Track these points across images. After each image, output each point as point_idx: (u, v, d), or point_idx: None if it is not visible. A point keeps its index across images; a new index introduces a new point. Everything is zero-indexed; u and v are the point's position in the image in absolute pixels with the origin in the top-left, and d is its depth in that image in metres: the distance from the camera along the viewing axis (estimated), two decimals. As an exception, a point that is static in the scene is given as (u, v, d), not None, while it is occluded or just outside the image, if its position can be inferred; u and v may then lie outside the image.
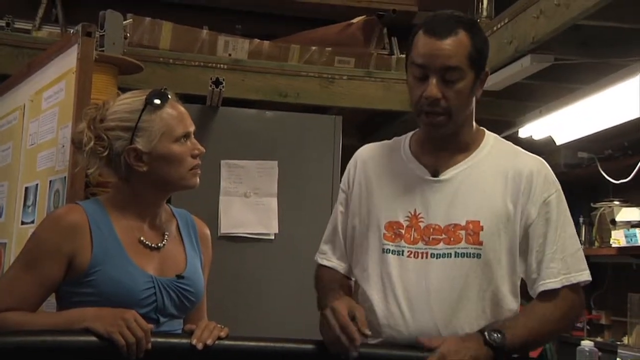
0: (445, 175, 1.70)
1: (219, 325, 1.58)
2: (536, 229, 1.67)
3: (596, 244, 3.72)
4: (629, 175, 3.27)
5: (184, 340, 1.54)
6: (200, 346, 1.51)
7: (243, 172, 3.26)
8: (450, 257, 1.65)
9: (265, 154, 3.27)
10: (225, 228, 3.19)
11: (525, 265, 1.69)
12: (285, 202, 3.26)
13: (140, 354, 1.46)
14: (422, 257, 1.67)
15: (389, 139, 1.87)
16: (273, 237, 3.25)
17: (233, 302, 3.01)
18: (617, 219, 3.45)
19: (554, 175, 1.74)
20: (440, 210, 1.67)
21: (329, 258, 1.85)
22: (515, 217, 1.67)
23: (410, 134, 1.81)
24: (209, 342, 1.52)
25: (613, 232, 3.48)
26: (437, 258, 1.66)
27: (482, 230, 1.65)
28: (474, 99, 1.70)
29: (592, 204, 3.79)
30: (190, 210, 1.88)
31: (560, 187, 1.72)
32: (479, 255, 1.65)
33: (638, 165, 3.19)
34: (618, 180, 3.40)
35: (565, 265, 1.66)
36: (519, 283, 1.73)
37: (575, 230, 1.74)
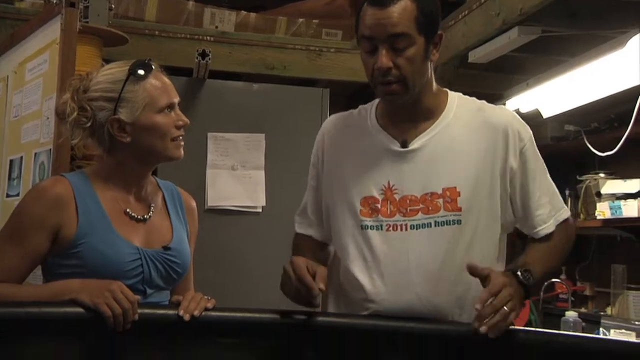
0: (415, 144, 1.69)
1: (205, 297, 1.57)
2: (518, 180, 1.69)
3: (581, 216, 3.73)
4: (615, 148, 3.27)
5: (171, 312, 1.53)
6: (187, 317, 1.50)
7: (230, 145, 3.24)
8: (430, 226, 1.65)
9: (253, 127, 3.25)
10: (212, 201, 3.18)
11: (514, 217, 1.72)
12: (272, 175, 3.25)
13: (127, 325, 1.45)
14: (401, 230, 1.66)
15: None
16: (260, 210, 3.25)
17: (220, 275, 3.01)
18: (603, 191, 3.46)
19: (524, 123, 1.74)
20: (415, 181, 1.66)
21: (305, 228, 1.86)
22: (494, 174, 1.66)
23: (376, 102, 1.78)
24: (196, 313, 1.51)
25: (598, 205, 3.49)
26: (416, 229, 1.65)
27: (459, 196, 1.64)
28: (429, 63, 1.67)
29: (578, 177, 3.79)
30: (177, 183, 1.87)
31: (531, 133, 1.73)
32: (459, 222, 1.64)
33: (623, 138, 3.18)
34: (604, 152, 3.41)
35: (552, 207, 1.73)
36: (503, 246, 1.74)
37: (545, 169, 1.77)
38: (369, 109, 1.79)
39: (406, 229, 1.66)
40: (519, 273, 1.55)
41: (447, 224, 1.64)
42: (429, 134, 1.69)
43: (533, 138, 1.72)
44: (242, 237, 3.20)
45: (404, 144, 1.69)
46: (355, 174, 1.72)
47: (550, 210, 1.72)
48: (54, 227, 1.58)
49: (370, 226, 1.68)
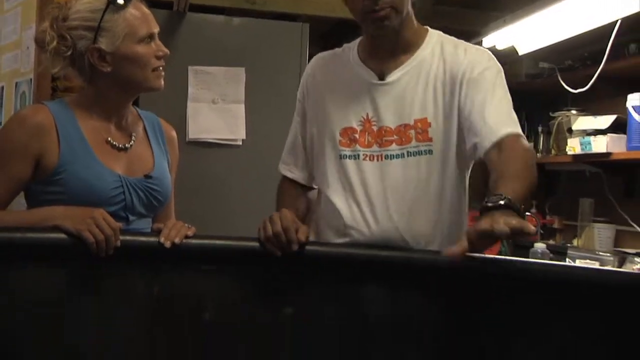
0: (392, 77, 1.70)
1: (186, 225, 1.58)
2: (472, 97, 1.63)
3: (553, 152, 3.75)
4: (587, 85, 3.28)
5: (152, 239, 1.53)
6: (168, 244, 1.50)
7: (210, 78, 3.20)
8: (404, 157, 1.67)
9: (233, 61, 3.21)
10: (193, 134, 3.16)
11: (469, 132, 1.63)
12: (252, 108, 3.23)
13: (109, 251, 1.45)
14: (377, 160, 1.68)
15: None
16: (240, 143, 3.24)
17: (201, 207, 3.01)
18: (574, 127, 3.48)
19: (498, 63, 1.70)
20: (390, 112, 1.68)
21: (291, 169, 1.87)
22: (456, 98, 1.65)
23: (358, 40, 1.79)
24: (177, 240, 1.51)
25: (569, 141, 3.51)
26: (391, 159, 1.67)
27: (430, 126, 1.66)
28: None
29: (550, 114, 3.81)
30: (158, 116, 1.85)
31: (499, 67, 1.69)
32: (430, 152, 1.66)
33: (595, 75, 3.19)
34: (577, 90, 3.41)
35: (502, 120, 1.60)
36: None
37: (509, 99, 1.67)
38: (352, 47, 1.80)
39: (382, 159, 1.68)
40: (502, 202, 1.38)
41: (419, 154, 1.66)
42: (405, 68, 1.70)
43: (501, 74, 1.68)
44: (223, 169, 3.20)
45: (381, 77, 1.71)
46: (337, 105, 1.74)
47: (499, 122, 1.59)
48: (36, 154, 1.57)
49: (348, 156, 1.71)
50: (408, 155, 1.67)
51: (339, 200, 1.71)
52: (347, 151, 1.71)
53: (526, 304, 1.49)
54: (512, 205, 1.37)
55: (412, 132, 1.66)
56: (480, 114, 1.61)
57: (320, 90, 1.79)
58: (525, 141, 1.61)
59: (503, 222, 1.29)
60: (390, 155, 1.67)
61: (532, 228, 1.32)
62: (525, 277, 1.48)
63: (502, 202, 1.36)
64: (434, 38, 1.74)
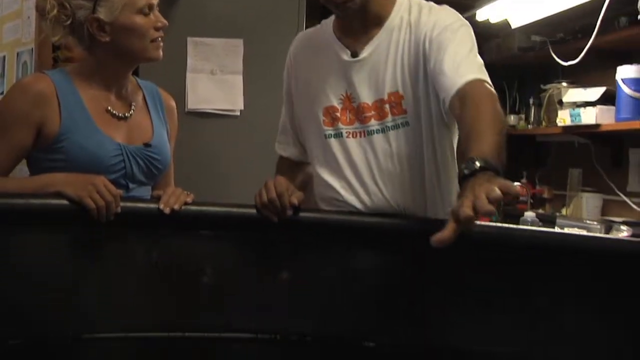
0: (364, 53, 1.66)
1: (185, 192, 1.58)
2: (434, 56, 1.56)
3: (543, 124, 3.75)
4: (578, 58, 3.27)
5: (152, 205, 1.53)
6: (167, 211, 1.50)
7: (209, 49, 3.18)
8: (384, 132, 1.65)
9: (231, 32, 3.19)
10: (192, 104, 3.15)
11: (437, 91, 1.58)
12: (250, 80, 3.22)
13: (110, 217, 1.45)
14: (360, 136, 1.67)
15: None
16: (239, 114, 3.23)
17: (199, 176, 3.00)
18: (564, 99, 3.47)
19: (464, 20, 1.63)
20: (365, 88, 1.65)
21: (284, 148, 1.86)
22: (421, 62, 1.60)
23: (334, 15, 1.74)
24: (176, 207, 1.51)
25: (559, 112, 3.50)
26: (372, 135, 1.65)
27: (403, 99, 1.63)
28: None
29: (542, 86, 3.80)
30: (158, 87, 1.84)
31: (467, 26, 1.61)
32: (407, 124, 1.63)
33: (586, 48, 3.18)
34: (567, 62, 3.40)
35: (460, 68, 1.51)
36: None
37: (471, 47, 1.58)
38: (329, 23, 1.76)
39: (364, 136, 1.66)
40: (477, 166, 1.28)
41: (397, 128, 1.64)
42: (376, 42, 1.66)
43: (465, 28, 1.60)
44: (221, 139, 3.19)
45: (354, 54, 1.67)
46: (317, 85, 1.71)
47: (462, 70, 1.50)
48: (37, 122, 1.57)
49: (332, 135, 1.69)
50: (387, 130, 1.65)
51: (329, 177, 1.71)
52: (330, 130, 1.69)
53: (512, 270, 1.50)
54: (490, 166, 1.26)
55: (387, 106, 1.64)
56: (439, 68, 1.53)
57: (301, 71, 1.77)
58: (488, 85, 1.49)
59: (485, 197, 1.18)
60: (371, 130, 1.66)
61: (516, 189, 1.23)
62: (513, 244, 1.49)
63: (477, 166, 1.26)
64: (403, 5, 1.68)
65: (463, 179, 1.27)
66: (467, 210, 1.18)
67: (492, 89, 1.50)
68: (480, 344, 1.47)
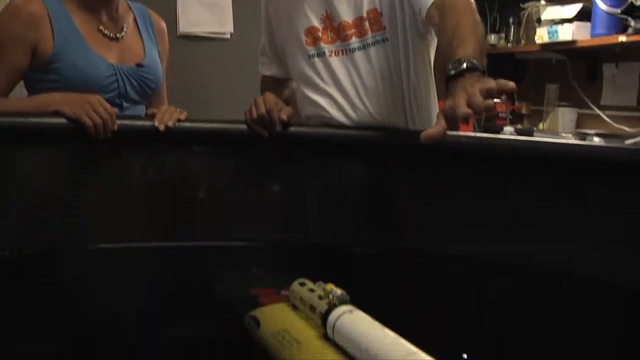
0: None
1: (178, 109, 1.56)
2: None
3: (523, 42, 3.71)
4: (557, -24, 3.21)
5: (147, 123, 1.52)
6: (162, 127, 1.49)
7: (198, -27, 3.11)
8: (365, 48, 1.62)
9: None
10: (183, 27, 3.10)
11: (413, 5, 1.56)
12: (239, 2, 3.16)
13: (107, 135, 1.44)
14: (342, 54, 1.64)
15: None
16: (229, 37, 3.19)
17: (191, 99, 2.98)
18: (542, 17, 3.42)
19: None
20: (344, 6, 1.62)
21: (266, 67, 1.83)
22: None
23: None
24: (170, 123, 1.50)
25: (538, 30, 3.45)
26: (353, 52, 1.63)
27: (381, 16, 1.61)
28: None
29: (521, 4, 3.74)
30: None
31: None
32: (386, 39, 1.61)
33: (565, -34, 3.12)
34: (546, -19, 3.34)
35: None
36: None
37: None
38: None
39: (346, 54, 1.64)
40: (465, 66, 1.25)
41: (377, 44, 1.62)
42: None
43: None
44: (212, 61, 3.16)
45: None
46: (297, 7, 1.66)
47: None
48: (31, 43, 1.53)
49: (315, 54, 1.66)
50: (367, 47, 1.62)
51: (314, 95, 1.68)
52: (313, 50, 1.66)
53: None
54: (477, 66, 1.23)
55: (367, 23, 1.61)
56: None
57: None
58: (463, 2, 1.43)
59: (479, 93, 1.14)
60: (352, 48, 1.63)
61: (510, 84, 1.18)
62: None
63: (465, 67, 1.23)
64: None
65: (450, 80, 1.25)
66: (463, 109, 1.15)
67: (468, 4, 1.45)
68: (461, 248, 1.49)
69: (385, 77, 1.63)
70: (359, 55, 1.63)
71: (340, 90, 1.65)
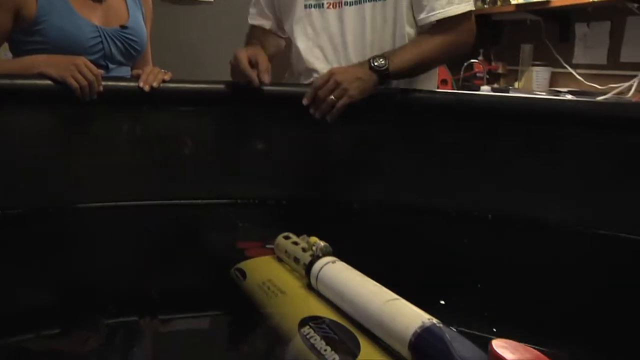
0: None
1: (163, 70, 1.54)
2: None
3: (499, 3, 3.69)
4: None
5: (132, 84, 1.50)
6: (147, 88, 1.47)
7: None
8: (360, 3, 1.62)
9: None
10: (166, -9, 3.04)
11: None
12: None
13: (93, 96, 1.42)
14: (337, 7, 1.63)
15: None
16: (212, 0, 3.13)
17: (175, 62, 2.95)
18: (518, -22, 3.40)
19: None
20: None
21: (255, 17, 1.80)
22: None
23: None
24: (155, 84, 1.48)
25: (513, -9, 3.44)
26: (349, 5, 1.63)
27: None
28: None
29: (498, -33, 3.70)
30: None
31: None
32: None
33: None
34: (521, -58, 3.31)
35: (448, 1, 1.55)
36: None
37: None
38: None
39: (341, 6, 1.63)
40: (371, 60, 1.48)
41: (374, 0, 1.61)
42: None
43: None
44: (196, 26, 3.11)
45: None
46: None
47: (444, 2, 1.55)
48: (14, 6, 1.50)
49: (313, 5, 1.65)
50: (363, 2, 1.62)
51: (304, 45, 1.68)
52: (312, 1, 1.65)
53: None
54: (382, 73, 1.46)
55: None
56: None
57: None
58: (465, 30, 1.57)
59: (334, 96, 1.42)
60: (348, 2, 1.63)
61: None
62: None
63: (373, 64, 1.46)
64: None
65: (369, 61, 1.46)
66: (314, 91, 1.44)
67: (471, 27, 1.58)
68: (443, 197, 1.51)
69: (376, 34, 1.63)
70: (352, 9, 1.63)
71: (329, 42, 1.66)
